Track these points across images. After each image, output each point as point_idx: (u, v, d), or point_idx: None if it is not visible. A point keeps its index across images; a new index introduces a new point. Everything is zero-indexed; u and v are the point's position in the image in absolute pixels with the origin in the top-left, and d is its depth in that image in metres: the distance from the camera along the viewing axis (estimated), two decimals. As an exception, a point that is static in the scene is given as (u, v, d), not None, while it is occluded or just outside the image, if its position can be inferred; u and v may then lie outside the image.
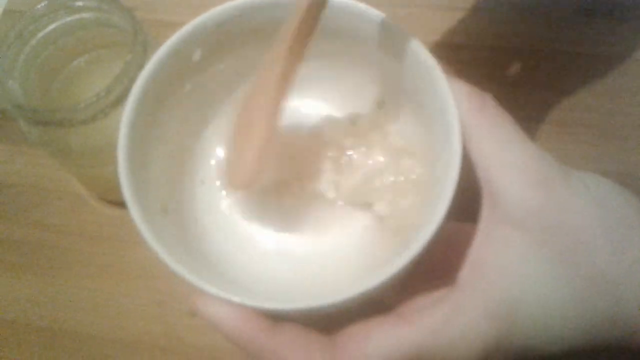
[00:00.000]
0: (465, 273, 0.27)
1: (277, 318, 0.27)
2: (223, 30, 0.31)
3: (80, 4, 0.37)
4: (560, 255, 0.26)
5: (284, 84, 0.30)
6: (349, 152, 0.34)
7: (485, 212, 0.28)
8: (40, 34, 0.38)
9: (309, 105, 0.36)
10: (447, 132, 0.28)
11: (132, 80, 0.34)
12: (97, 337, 0.39)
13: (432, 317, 0.26)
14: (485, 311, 0.26)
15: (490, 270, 0.26)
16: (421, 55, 0.29)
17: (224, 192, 0.35)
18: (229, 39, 0.32)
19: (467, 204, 0.27)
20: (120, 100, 0.34)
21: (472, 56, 0.46)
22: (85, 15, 0.38)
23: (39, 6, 0.37)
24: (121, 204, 0.27)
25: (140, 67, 0.34)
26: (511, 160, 0.27)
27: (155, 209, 0.30)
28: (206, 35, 0.31)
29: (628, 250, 0.26)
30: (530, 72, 0.45)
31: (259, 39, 0.32)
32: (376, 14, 0.30)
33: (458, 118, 0.27)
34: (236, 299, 0.25)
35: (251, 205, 0.35)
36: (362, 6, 0.30)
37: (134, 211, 0.27)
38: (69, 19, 0.38)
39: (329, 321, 0.28)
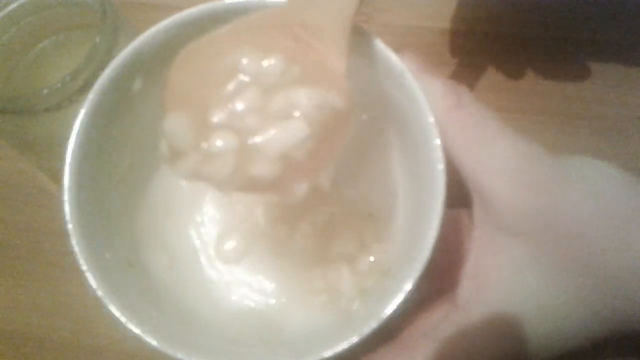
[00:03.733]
0: (465, 289, 0.26)
1: None
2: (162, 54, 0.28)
3: (45, -20, 0.34)
4: (561, 259, 0.24)
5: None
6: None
7: (478, 218, 0.26)
8: (2, 13, 0.35)
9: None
10: (426, 148, 0.25)
11: (101, 64, 0.31)
12: (64, 343, 0.37)
13: (437, 342, 0.25)
14: (491, 329, 0.25)
15: (492, 284, 0.25)
16: (392, 61, 0.26)
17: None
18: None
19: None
20: (87, 86, 0.31)
21: (465, 42, 0.44)
22: (50, -8, 0.35)
23: (-1, -18, 0.34)
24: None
25: (110, 50, 0.32)
26: (498, 161, 0.25)
27: (118, 263, 0.27)
28: (144, 62, 0.28)
29: (632, 244, 0.24)
30: (525, 60, 0.43)
31: None
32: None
33: (435, 128, 0.25)
34: None
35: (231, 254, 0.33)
36: None
37: (87, 270, 0.24)
38: (32, -4, 0.35)
39: None
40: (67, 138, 0.33)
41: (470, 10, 0.45)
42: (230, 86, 0.24)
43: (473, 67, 0.43)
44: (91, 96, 0.26)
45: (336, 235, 0.32)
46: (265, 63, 0.24)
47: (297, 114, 0.23)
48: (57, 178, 0.39)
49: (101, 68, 0.31)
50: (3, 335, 0.37)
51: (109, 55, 0.31)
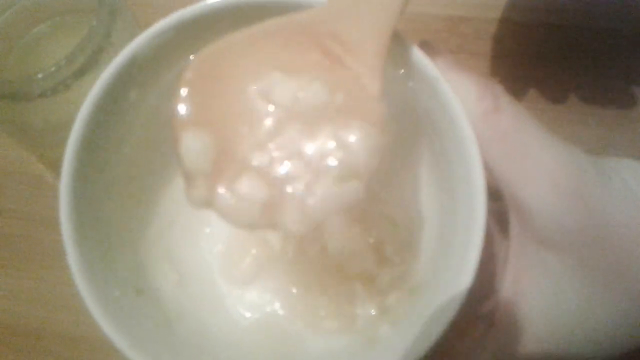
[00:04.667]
0: (503, 307, 0.25)
1: None
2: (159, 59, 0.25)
3: (40, -38, 0.33)
4: (604, 274, 0.23)
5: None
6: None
7: (515, 231, 0.24)
8: (-4, -3, 0.34)
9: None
10: (463, 160, 0.23)
11: (98, 48, 0.30)
12: (59, 336, 0.36)
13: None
14: (531, 348, 0.24)
15: (529, 302, 0.24)
16: (424, 64, 0.23)
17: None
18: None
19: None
20: (83, 70, 0.30)
21: (473, 29, 0.43)
22: (46, -25, 0.34)
23: (-7, -36, 0.33)
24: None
25: (107, 34, 0.31)
26: (537, 170, 0.23)
27: (126, 294, 0.25)
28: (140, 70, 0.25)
29: None
30: (535, 47, 0.42)
31: None
32: None
33: (477, 148, 0.22)
34: None
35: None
36: None
37: (89, 301, 0.23)
38: (28, -20, 0.34)
39: None
40: (62, 125, 0.32)
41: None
42: (263, 120, 0.21)
43: (476, 54, 0.42)
44: (84, 110, 0.24)
45: (354, 251, 0.30)
46: (303, 93, 0.21)
47: (348, 160, 0.20)
48: (53, 166, 0.39)
49: (99, 52, 0.30)
50: (2, 327, 0.37)
51: (108, 39, 0.30)
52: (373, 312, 0.28)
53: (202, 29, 0.24)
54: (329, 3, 0.22)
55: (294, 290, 0.30)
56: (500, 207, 0.25)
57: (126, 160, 0.27)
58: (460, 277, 0.22)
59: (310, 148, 0.20)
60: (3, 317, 0.37)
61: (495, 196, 0.24)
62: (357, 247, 0.30)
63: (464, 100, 0.23)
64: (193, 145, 0.21)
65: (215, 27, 0.24)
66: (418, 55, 0.23)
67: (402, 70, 0.24)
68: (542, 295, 0.23)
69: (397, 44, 0.23)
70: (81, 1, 0.35)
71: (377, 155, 0.21)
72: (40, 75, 0.29)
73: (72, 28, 0.37)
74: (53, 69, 0.29)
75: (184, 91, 0.21)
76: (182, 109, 0.21)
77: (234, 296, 0.30)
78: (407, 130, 0.27)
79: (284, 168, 0.20)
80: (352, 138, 0.20)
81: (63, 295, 0.37)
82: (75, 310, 0.36)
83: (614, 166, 0.24)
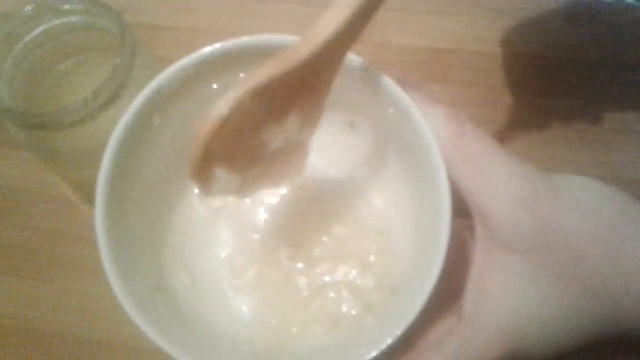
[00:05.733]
0: (471, 300, 0.28)
1: None
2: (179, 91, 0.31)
3: (67, 7, 0.37)
4: (558, 273, 0.26)
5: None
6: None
7: (480, 236, 0.28)
8: (28, 37, 0.38)
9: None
10: (433, 175, 0.27)
11: (120, 83, 0.34)
12: (83, 340, 0.40)
13: (444, 355, 0.27)
14: (495, 339, 0.27)
15: (494, 298, 0.27)
16: (398, 95, 0.28)
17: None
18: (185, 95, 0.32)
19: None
20: (108, 103, 0.34)
21: (455, 59, 0.47)
22: (72, 18, 0.38)
23: (26, 9, 0.37)
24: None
25: (129, 70, 0.35)
26: (496, 184, 0.27)
27: (147, 288, 0.29)
28: (161, 100, 0.31)
29: (624, 259, 0.26)
30: (512, 76, 0.46)
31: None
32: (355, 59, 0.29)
33: (439, 154, 0.27)
34: None
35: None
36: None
37: (121, 295, 0.27)
38: (56, 22, 0.38)
39: None
40: (88, 150, 0.36)
41: (456, 27, 0.48)
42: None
43: (460, 84, 0.46)
44: (116, 132, 0.29)
45: (343, 257, 0.34)
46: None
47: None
48: (76, 187, 0.43)
49: (121, 87, 0.34)
50: (25, 332, 0.40)
51: (129, 75, 0.34)
52: (355, 312, 0.32)
53: (214, 67, 0.30)
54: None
55: (288, 296, 0.34)
56: (472, 222, 0.29)
57: (147, 181, 0.32)
58: (429, 277, 0.26)
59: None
60: (30, 325, 0.40)
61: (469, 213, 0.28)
62: (344, 256, 0.34)
63: (434, 126, 0.28)
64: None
65: (227, 63, 0.30)
66: (396, 90, 0.28)
67: (378, 98, 0.29)
68: (505, 292, 0.27)
69: (373, 77, 0.29)
70: (101, 41, 0.38)
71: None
72: (70, 108, 0.33)
73: (94, 65, 0.40)
74: (82, 102, 0.33)
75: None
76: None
77: (238, 300, 0.34)
78: (386, 150, 0.33)
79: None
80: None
81: (82, 303, 0.40)
82: (94, 317, 0.40)
83: (564, 180, 0.28)
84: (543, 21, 0.47)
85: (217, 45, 0.30)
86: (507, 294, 0.27)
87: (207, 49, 0.30)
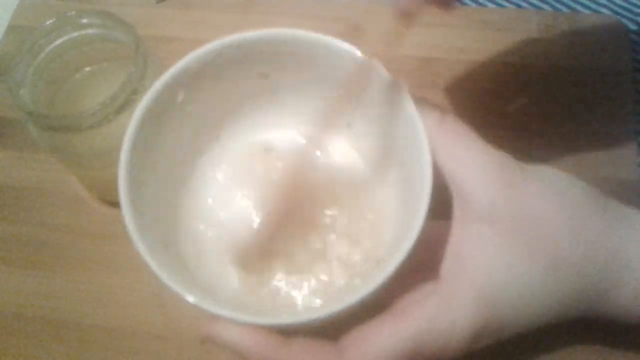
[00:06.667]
0: (448, 267, 0.31)
1: (286, 333, 0.29)
2: (203, 70, 0.35)
3: (85, 20, 0.41)
4: (526, 244, 0.29)
5: None
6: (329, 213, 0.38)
7: (458, 211, 0.31)
8: (49, 48, 0.41)
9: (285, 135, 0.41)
10: (417, 150, 0.31)
11: (134, 90, 0.37)
12: (99, 328, 0.42)
13: (424, 311, 0.30)
14: (470, 299, 0.29)
15: (469, 263, 0.30)
16: (390, 92, 0.32)
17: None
18: (209, 76, 0.36)
19: (441, 204, 0.31)
20: (122, 107, 0.37)
21: (445, 68, 0.50)
22: (90, 31, 0.41)
23: (48, 22, 0.40)
24: (119, 205, 0.31)
25: (141, 78, 0.38)
26: (473, 165, 0.30)
27: (158, 244, 0.33)
28: (188, 77, 0.35)
29: (586, 234, 0.30)
30: (498, 83, 0.49)
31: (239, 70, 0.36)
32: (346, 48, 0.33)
33: (426, 136, 0.31)
34: (249, 319, 0.28)
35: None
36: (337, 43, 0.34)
37: (142, 248, 0.30)
38: (75, 34, 0.41)
39: (334, 329, 0.31)
40: (103, 151, 0.39)
41: (445, 38, 0.51)
42: None
43: (448, 90, 0.49)
44: (143, 102, 0.33)
45: (337, 234, 0.38)
46: None
47: None
48: (91, 186, 0.46)
49: (134, 93, 0.38)
50: (42, 320, 0.43)
51: (141, 82, 0.38)
52: (344, 281, 0.36)
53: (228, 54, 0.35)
54: None
55: (286, 270, 0.37)
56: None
57: (164, 154, 0.36)
58: (408, 239, 0.29)
59: None
60: (48, 314, 0.43)
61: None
62: (337, 233, 0.37)
63: (423, 120, 0.31)
64: None
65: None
66: (389, 89, 0.33)
67: (381, 104, 0.34)
68: (478, 259, 0.30)
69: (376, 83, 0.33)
70: (115, 52, 0.42)
71: None
72: (90, 111, 0.36)
73: (107, 73, 0.44)
74: (100, 106, 0.36)
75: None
76: None
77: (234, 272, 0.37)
78: (378, 144, 0.37)
79: None
80: None
81: (98, 293, 0.43)
82: (106, 305, 0.43)
83: (538, 171, 0.31)
84: (525, 31, 0.51)
85: (237, 36, 0.35)
86: (480, 261, 0.30)
87: (227, 39, 0.35)
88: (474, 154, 0.31)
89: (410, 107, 0.32)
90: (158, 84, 0.33)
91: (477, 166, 0.30)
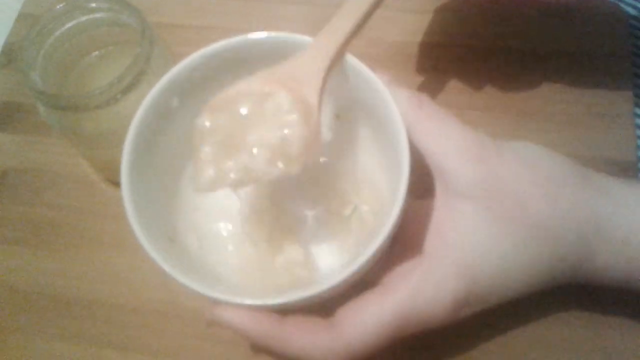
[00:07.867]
0: (431, 243, 0.32)
1: (282, 312, 0.31)
2: (196, 75, 0.36)
3: (93, 5, 0.42)
4: (503, 215, 0.31)
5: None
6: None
7: (439, 190, 0.33)
8: (58, 32, 0.42)
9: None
10: (394, 134, 0.32)
11: (140, 71, 0.39)
12: (106, 304, 0.43)
13: (409, 283, 0.31)
14: (452, 271, 0.31)
15: (451, 237, 0.31)
16: (366, 74, 0.34)
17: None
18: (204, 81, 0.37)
19: (422, 185, 0.32)
20: (129, 88, 0.39)
21: (443, 53, 0.51)
22: (98, 15, 0.43)
23: (57, 7, 0.42)
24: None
25: (147, 59, 0.39)
26: (451, 144, 0.32)
27: (163, 238, 0.34)
28: (181, 83, 0.36)
29: (560, 203, 0.31)
30: (496, 67, 0.50)
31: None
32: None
33: (401, 121, 0.32)
34: (248, 301, 0.30)
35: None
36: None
37: (145, 244, 0.31)
38: (83, 18, 0.42)
39: (327, 306, 0.32)
40: (111, 130, 0.41)
41: (443, 23, 0.52)
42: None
43: (446, 74, 0.50)
44: (140, 111, 0.34)
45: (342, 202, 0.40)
46: (273, 100, 0.32)
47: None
48: (100, 167, 0.47)
49: (141, 73, 0.39)
50: (53, 298, 0.44)
51: (148, 63, 0.39)
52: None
53: (222, 60, 0.36)
54: (289, 62, 0.33)
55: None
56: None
57: (167, 153, 0.37)
58: (392, 214, 0.30)
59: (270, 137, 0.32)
60: (59, 292, 0.44)
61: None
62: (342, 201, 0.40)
63: (398, 101, 0.33)
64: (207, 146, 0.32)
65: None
66: (363, 68, 0.34)
67: (353, 79, 0.35)
68: (459, 232, 0.31)
69: (348, 63, 0.35)
70: (123, 36, 0.43)
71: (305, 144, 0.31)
72: (97, 91, 0.38)
73: (115, 56, 0.45)
74: (108, 86, 0.38)
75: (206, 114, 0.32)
76: (202, 122, 0.32)
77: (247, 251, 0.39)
78: (359, 120, 0.39)
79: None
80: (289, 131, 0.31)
81: (106, 272, 0.44)
82: (114, 282, 0.44)
83: (509, 143, 0.33)
84: (525, 16, 0.51)
85: (225, 42, 0.36)
86: (461, 235, 0.31)
87: (217, 45, 0.36)
88: (451, 134, 0.32)
89: (385, 92, 0.33)
90: (164, 79, 0.35)
91: (455, 146, 0.32)
